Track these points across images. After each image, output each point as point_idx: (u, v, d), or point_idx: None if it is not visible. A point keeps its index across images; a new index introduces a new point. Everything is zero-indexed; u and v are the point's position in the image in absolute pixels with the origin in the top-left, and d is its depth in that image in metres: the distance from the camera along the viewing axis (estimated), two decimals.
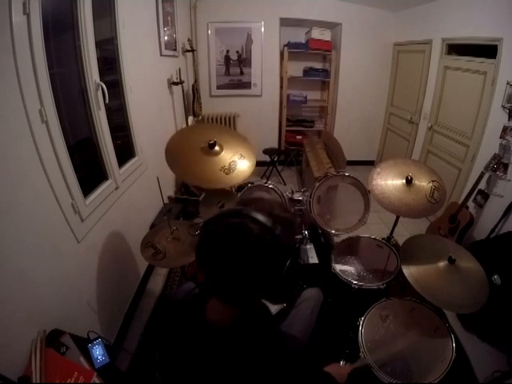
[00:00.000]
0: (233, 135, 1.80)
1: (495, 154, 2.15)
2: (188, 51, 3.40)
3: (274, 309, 1.34)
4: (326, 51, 3.94)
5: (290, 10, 3.72)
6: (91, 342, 1.17)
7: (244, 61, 3.95)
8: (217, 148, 1.59)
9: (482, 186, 2.32)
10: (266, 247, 0.61)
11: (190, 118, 3.48)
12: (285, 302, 0.73)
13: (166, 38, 2.70)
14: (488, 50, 2.36)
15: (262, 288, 0.64)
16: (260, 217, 0.62)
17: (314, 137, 4.13)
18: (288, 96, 4.09)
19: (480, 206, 2.38)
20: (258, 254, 0.61)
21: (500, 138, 2.19)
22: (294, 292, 0.71)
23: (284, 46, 3.87)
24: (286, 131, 4.29)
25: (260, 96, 4.11)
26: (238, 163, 1.58)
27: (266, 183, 1.94)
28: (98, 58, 1.62)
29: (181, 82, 3.00)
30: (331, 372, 0.92)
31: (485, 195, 2.33)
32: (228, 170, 1.54)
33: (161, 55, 2.63)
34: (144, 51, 2.32)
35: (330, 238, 2.15)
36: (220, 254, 0.62)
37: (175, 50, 3.02)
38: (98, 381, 1.06)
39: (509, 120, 2.14)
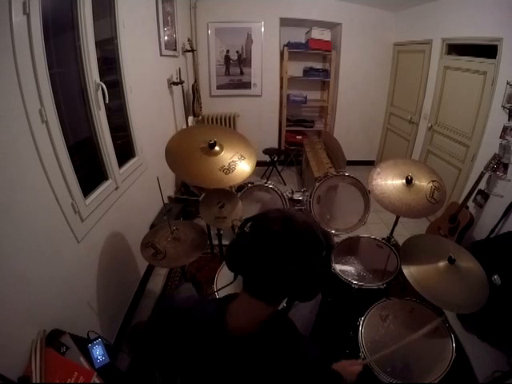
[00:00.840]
0: (233, 135, 1.80)
1: (495, 154, 2.15)
2: (188, 51, 3.40)
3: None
4: (325, 51, 3.94)
5: (290, 10, 3.72)
6: (91, 341, 1.17)
7: (244, 61, 3.95)
8: (217, 148, 1.59)
9: (482, 186, 2.32)
10: (309, 239, 0.66)
11: (190, 118, 3.48)
12: (312, 298, 0.74)
13: (166, 38, 2.70)
14: (488, 50, 2.36)
15: (301, 280, 0.66)
16: (304, 217, 0.69)
17: (314, 137, 4.13)
18: (288, 96, 4.09)
19: (480, 206, 2.38)
20: (301, 245, 0.65)
21: (500, 138, 2.19)
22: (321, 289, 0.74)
23: (284, 46, 3.87)
24: (286, 131, 4.29)
25: (260, 96, 4.11)
26: (238, 163, 1.58)
27: (266, 183, 1.94)
28: (98, 58, 1.62)
29: (181, 82, 3.00)
30: (340, 370, 0.91)
31: (485, 195, 2.33)
32: (227, 169, 1.55)
33: (161, 55, 2.63)
34: (144, 51, 2.32)
35: (330, 238, 2.15)
36: (265, 244, 0.64)
37: (175, 50, 3.02)
38: (98, 381, 1.06)
39: (509, 120, 2.14)
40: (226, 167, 1.55)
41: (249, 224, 0.68)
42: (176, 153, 1.58)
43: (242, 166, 1.59)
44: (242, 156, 1.61)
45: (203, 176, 1.55)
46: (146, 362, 0.86)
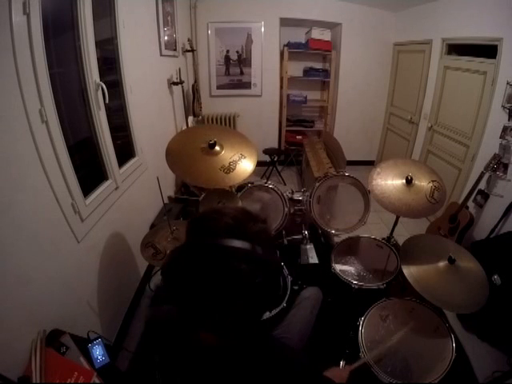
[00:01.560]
0: (233, 134, 1.80)
1: (495, 154, 2.15)
2: (188, 51, 3.40)
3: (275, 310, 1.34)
4: (325, 51, 3.94)
5: (290, 10, 3.72)
6: (91, 341, 1.17)
7: (244, 61, 3.95)
8: (217, 148, 1.59)
9: (482, 186, 2.32)
10: (262, 282, 0.54)
11: (190, 118, 3.48)
12: (278, 305, 0.68)
13: (166, 38, 2.70)
14: (488, 50, 2.36)
15: (263, 310, 0.62)
16: (240, 244, 0.53)
17: (313, 137, 4.13)
18: (288, 96, 4.09)
19: (480, 206, 2.38)
20: (256, 294, 0.55)
21: (500, 137, 2.19)
22: (283, 293, 0.66)
23: (284, 46, 3.87)
24: (286, 131, 4.29)
25: (260, 96, 4.11)
26: (238, 163, 1.58)
27: (265, 183, 1.94)
28: (98, 58, 1.62)
29: (181, 82, 3.00)
30: (331, 376, 0.92)
31: (485, 195, 2.33)
32: (228, 169, 1.55)
33: (161, 55, 2.63)
34: (144, 51, 2.32)
35: (330, 238, 2.15)
36: (208, 301, 0.53)
37: (175, 50, 3.02)
38: (97, 381, 1.06)
39: (509, 120, 2.14)
40: (226, 167, 1.55)
41: (174, 263, 0.57)
42: (176, 154, 1.58)
43: (243, 165, 1.58)
44: (242, 155, 1.61)
45: (204, 176, 1.55)
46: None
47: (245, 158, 1.61)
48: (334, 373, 0.99)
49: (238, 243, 0.53)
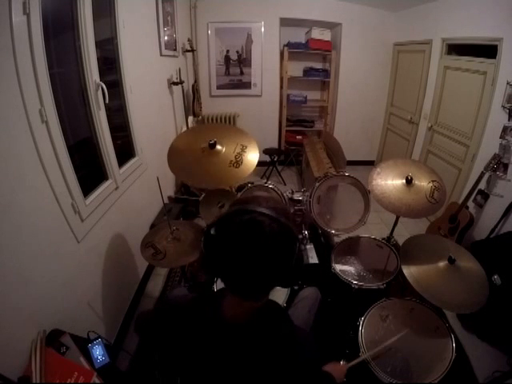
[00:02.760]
0: (227, 129, 1.76)
1: (495, 154, 2.15)
2: (188, 51, 3.40)
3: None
4: (325, 51, 3.94)
5: (290, 10, 3.72)
6: (91, 341, 1.17)
7: (244, 61, 3.95)
8: (218, 147, 1.58)
9: (482, 186, 2.32)
10: (279, 236, 0.64)
11: (190, 118, 3.48)
12: (295, 284, 0.75)
13: (166, 38, 2.70)
14: (488, 50, 2.36)
15: (281, 275, 0.67)
16: (265, 210, 0.65)
17: (313, 137, 4.13)
18: (288, 96, 4.09)
19: (480, 206, 2.37)
20: (274, 244, 0.64)
21: (500, 138, 2.19)
22: (302, 274, 0.75)
23: (284, 46, 3.87)
24: (286, 131, 4.29)
25: (260, 96, 4.11)
26: (243, 154, 1.57)
27: (265, 183, 1.94)
28: (98, 58, 1.62)
29: (181, 82, 3.00)
30: (329, 371, 0.92)
31: (485, 195, 2.33)
32: (236, 163, 1.54)
33: (161, 55, 2.63)
34: (144, 51, 2.32)
35: (330, 238, 2.15)
36: (239, 252, 0.63)
37: (175, 50, 3.02)
38: (98, 381, 1.06)
39: (509, 120, 2.14)
40: (234, 161, 1.55)
41: (213, 228, 0.67)
42: (180, 162, 1.56)
43: (248, 156, 1.58)
44: (243, 146, 1.60)
45: (217, 177, 1.55)
46: (154, 347, 0.90)
47: (246, 147, 1.60)
48: (332, 367, 0.99)
49: (264, 209, 0.65)
